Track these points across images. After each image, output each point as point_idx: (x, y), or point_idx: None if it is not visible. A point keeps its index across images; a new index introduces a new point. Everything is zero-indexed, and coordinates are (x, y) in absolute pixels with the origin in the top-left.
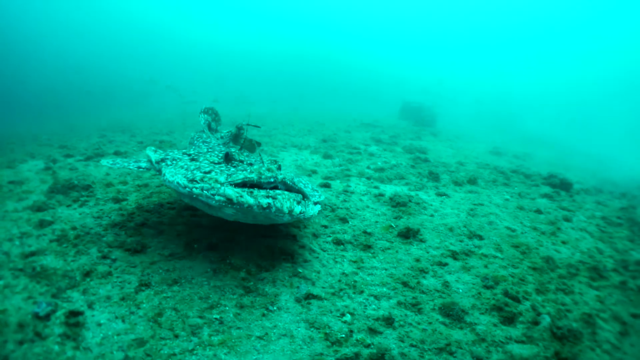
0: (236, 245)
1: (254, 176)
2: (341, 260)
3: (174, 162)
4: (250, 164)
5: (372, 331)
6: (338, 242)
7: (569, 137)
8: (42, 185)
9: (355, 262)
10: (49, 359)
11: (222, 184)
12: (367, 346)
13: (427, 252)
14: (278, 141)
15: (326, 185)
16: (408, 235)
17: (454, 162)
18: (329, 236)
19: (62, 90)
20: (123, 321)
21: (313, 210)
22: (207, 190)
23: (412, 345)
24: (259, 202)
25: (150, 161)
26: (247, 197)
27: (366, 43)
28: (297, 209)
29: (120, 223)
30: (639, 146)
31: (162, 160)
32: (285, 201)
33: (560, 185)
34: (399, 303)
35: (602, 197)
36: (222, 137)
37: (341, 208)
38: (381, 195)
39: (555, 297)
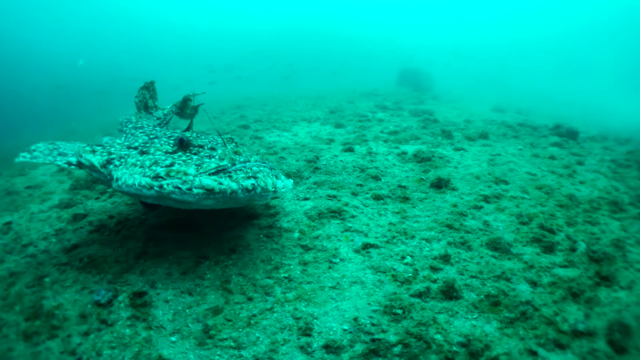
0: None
1: (226, 163)
2: (385, 213)
3: (122, 160)
4: (213, 149)
5: (434, 269)
6: (377, 197)
7: (562, 89)
8: (62, 185)
9: (398, 212)
10: (123, 343)
11: (194, 175)
12: (434, 281)
13: (462, 199)
14: (287, 117)
15: (349, 150)
16: (440, 185)
17: (462, 121)
18: (367, 193)
19: (57, 93)
20: (190, 294)
21: (289, 182)
22: (180, 185)
23: (472, 277)
24: (242, 185)
25: (92, 166)
26: (229, 183)
27: (348, 11)
28: (279, 183)
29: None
30: (628, 94)
31: (108, 162)
32: (267, 178)
33: (567, 134)
34: (449, 243)
35: (608, 144)
36: (165, 115)
37: (370, 168)
38: (404, 153)
39: (584, 228)
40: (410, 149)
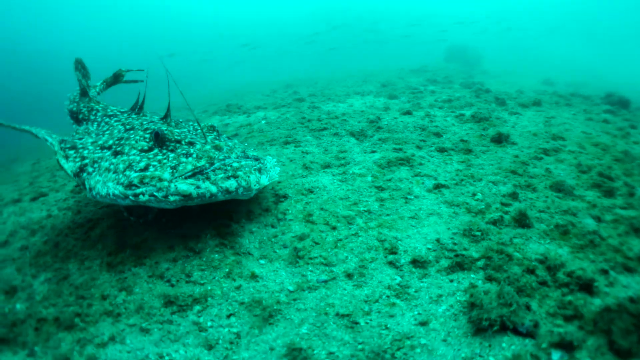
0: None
1: (204, 163)
2: (450, 162)
3: (96, 165)
4: (191, 143)
5: (504, 204)
6: (441, 150)
7: (608, 63)
8: None
9: (463, 162)
10: (212, 266)
11: (169, 181)
12: (506, 212)
13: (522, 151)
14: (339, 91)
15: (408, 113)
16: (500, 139)
17: (514, 92)
18: (431, 147)
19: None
20: (274, 227)
21: (275, 171)
22: (155, 193)
23: (540, 211)
24: (222, 187)
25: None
26: (207, 186)
27: None
28: (263, 179)
29: None
30: None
31: (81, 169)
32: (249, 175)
33: (619, 103)
34: (515, 185)
35: None
36: (98, 93)
37: (430, 127)
38: (462, 115)
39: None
40: (467, 112)
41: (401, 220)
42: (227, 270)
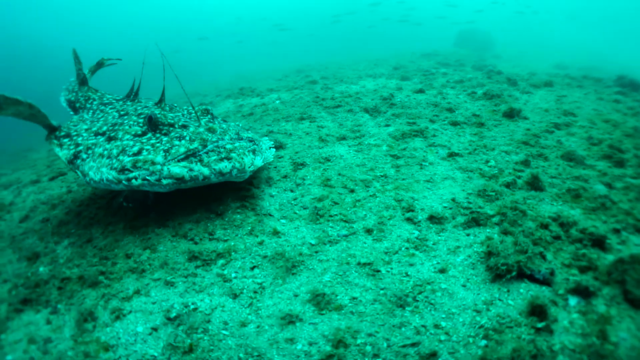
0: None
1: (196, 145)
2: (463, 134)
3: (90, 152)
4: (185, 126)
5: (516, 170)
6: (454, 123)
7: (619, 49)
8: None
9: (475, 134)
10: (235, 225)
11: (162, 164)
12: (519, 177)
13: (534, 125)
14: (351, 74)
15: (420, 91)
16: (512, 114)
17: (525, 74)
18: (444, 121)
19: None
20: (292, 191)
21: (270, 153)
22: (148, 177)
23: (552, 177)
24: (214, 169)
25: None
26: (200, 168)
27: None
28: (258, 160)
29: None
30: None
31: (75, 156)
32: (243, 156)
33: (630, 85)
34: (527, 155)
35: None
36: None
37: (443, 103)
38: (474, 93)
39: None
40: (479, 91)
41: (417, 184)
42: (249, 228)
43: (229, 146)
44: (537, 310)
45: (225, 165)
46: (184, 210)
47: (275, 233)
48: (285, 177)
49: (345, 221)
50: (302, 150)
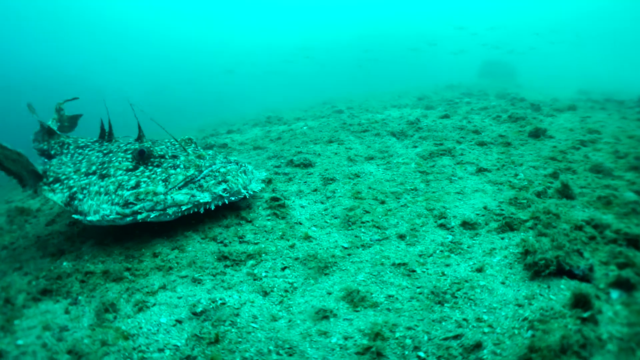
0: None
1: (193, 172)
2: (490, 153)
3: (85, 192)
4: (175, 156)
5: (546, 181)
6: (481, 144)
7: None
8: None
9: (502, 153)
10: (265, 230)
11: (164, 194)
12: (549, 187)
13: (559, 143)
14: (376, 105)
15: (446, 117)
16: (538, 134)
17: (548, 99)
18: (470, 142)
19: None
20: (322, 202)
21: (261, 174)
22: (153, 208)
23: (581, 187)
24: (214, 192)
25: (55, 203)
26: (200, 195)
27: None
28: (253, 184)
29: (277, 154)
30: None
31: (71, 198)
32: (237, 177)
33: None
34: (555, 169)
35: None
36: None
37: (469, 126)
38: (498, 117)
39: None
40: (503, 115)
41: (447, 195)
42: (280, 233)
43: (222, 169)
44: (581, 302)
45: (224, 188)
46: (213, 217)
47: (307, 237)
48: (315, 190)
49: (378, 227)
50: (331, 168)
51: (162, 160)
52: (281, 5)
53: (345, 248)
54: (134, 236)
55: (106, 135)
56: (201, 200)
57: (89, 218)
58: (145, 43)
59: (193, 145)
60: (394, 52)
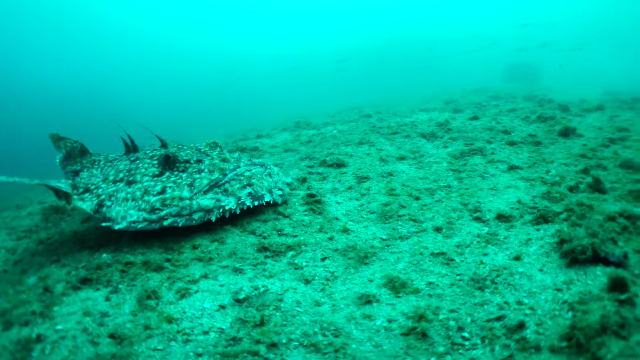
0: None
1: (217, 175)
2: (521, 152)
3: (113, 199)
4: (200, 160)
5: (577, 177)
6: (511, 143)
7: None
8: None
9: (533, 151)
10: (303, 224)
11: (189, 199)
12: (581, 182)
13: (589, 141)
14: (404, 109)
15: (475, 118)
16: (567, 133)
17: (576, 100)
18: (500, 142)
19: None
20: (357, 199)
21: (286, 177)
22: (179, 213)
23: (612, 182)
24: (239, 196)
25: (85, 212)
26: (226, 199)
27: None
28: (276, 191)
29: (310, 155)
30: None
31: (100, 205)
32: (262, 180)
33: None
34: (586, 165)
35: None
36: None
37: (498, 127)
38: (527, 117)
39: None
40: (532, 116)
41: (481, 191)
42: (318, 227)
43: (247, 173)
44: (618, 285)
45: (248, 192)
46: (251, 212)
47: (345, 230)
48: (349, 188)
49: (414, 221)
50: (364, 167)
51: (187, 165)
52: (291, 15)
53: (384, 240)
54: (173, 230)
55: (130, 147)
56: (225, 205)
57: (117, 226)
58: (166, 56)
59: (218, 149)
60: (416, 58)
